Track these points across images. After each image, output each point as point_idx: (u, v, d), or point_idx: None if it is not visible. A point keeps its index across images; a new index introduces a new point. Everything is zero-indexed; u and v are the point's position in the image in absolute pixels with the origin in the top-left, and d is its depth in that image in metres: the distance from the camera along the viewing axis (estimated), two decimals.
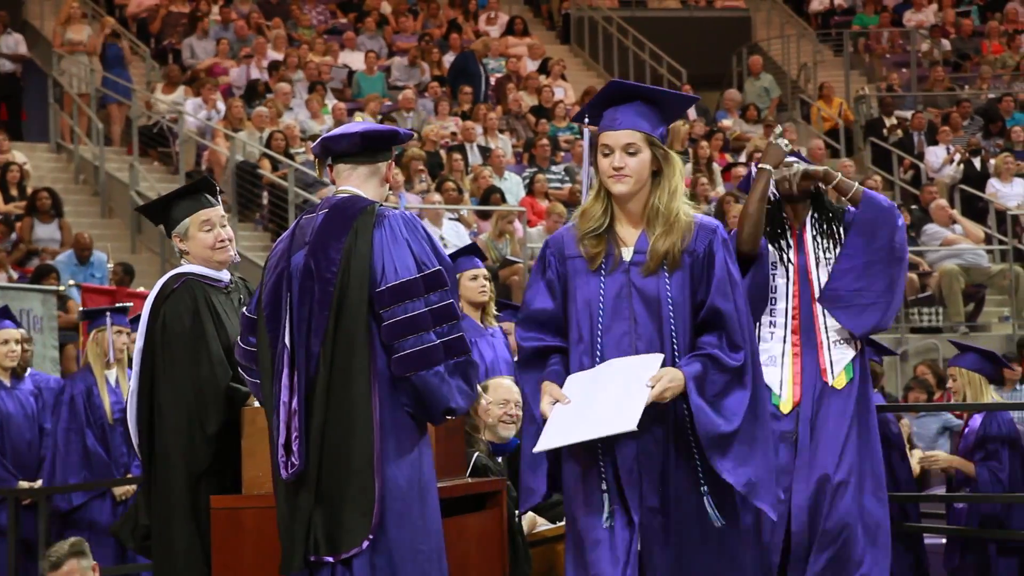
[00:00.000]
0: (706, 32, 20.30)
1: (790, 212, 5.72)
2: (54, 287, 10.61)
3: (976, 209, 15.41)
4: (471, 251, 6.95)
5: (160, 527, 4.91)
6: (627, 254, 4.07)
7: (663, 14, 20.78)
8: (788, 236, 5.68)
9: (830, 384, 5.55)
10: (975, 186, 15.70)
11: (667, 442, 4.05)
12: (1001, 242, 14.47)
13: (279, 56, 16.94)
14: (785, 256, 5.66)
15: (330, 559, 4.18)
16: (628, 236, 4.10)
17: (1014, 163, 15.87)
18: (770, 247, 5.67)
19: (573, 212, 13.73)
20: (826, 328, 5.60)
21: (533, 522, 5.77)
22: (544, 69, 18.06)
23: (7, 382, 7.64)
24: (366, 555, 4.16)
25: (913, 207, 14.98)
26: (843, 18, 21.09)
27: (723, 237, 4.04)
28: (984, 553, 6.91)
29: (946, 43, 19.99)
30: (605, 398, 3.95)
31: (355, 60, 17.52)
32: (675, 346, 4.05)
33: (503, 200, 13.75)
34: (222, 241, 5.05)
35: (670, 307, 4.02)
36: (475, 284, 6.62)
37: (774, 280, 5.66)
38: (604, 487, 4.04)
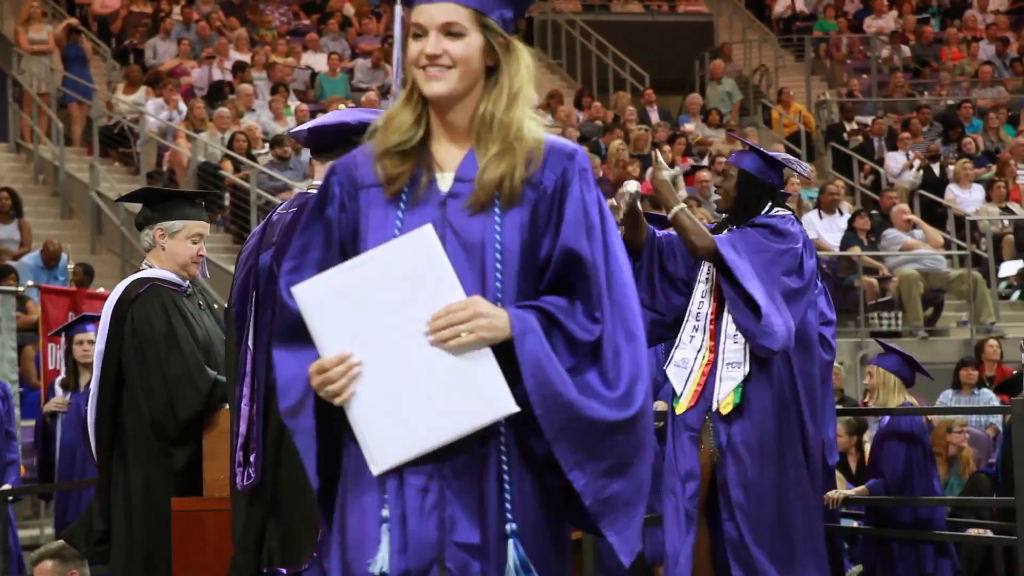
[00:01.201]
0: (669, 36, 20.37)
1: (727, 221, 5.71)
2: (13, 288, 10.53)
3: (935, 215, 15.53)
4: None
5: (122, 530, 4.89)
6: (444, 182, 2.74)
7: (626, 18, 20.84)
8: None
9: (715, 408, 5.42)
10: (934, 192, 15.83)
11: (493, 439, 2.66)
12: (960, 247, 14.58)
13: (241, 57, 16.88)
14: (708, 266, 5.57)
15: (283, 571, 4.17)
16: (448, 158, 2.77)
17: (972, 169, 16.01)
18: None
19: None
20: (723, 348, 5.49)
21: None
22: None
23: None
24: (316, 566, 4.15)
25: (873, 212, 15.09)
26: (804, 24, 21.21)
27: (583, 167, 2.77)
28: (887, 547, 7.06)
29: (906, 49, 20.14)
30: (418, 353, 2.61)
31: (318, 62, 17.47)
32: None
33: None
34: (200, 256, 5.07)
35: (497, 256, 2.68)
36: None
37: (704, 285, 5.57)
38: (385, 513, 2.66)
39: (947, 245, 14.71)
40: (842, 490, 7.14)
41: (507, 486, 2.64)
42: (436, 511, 2.63)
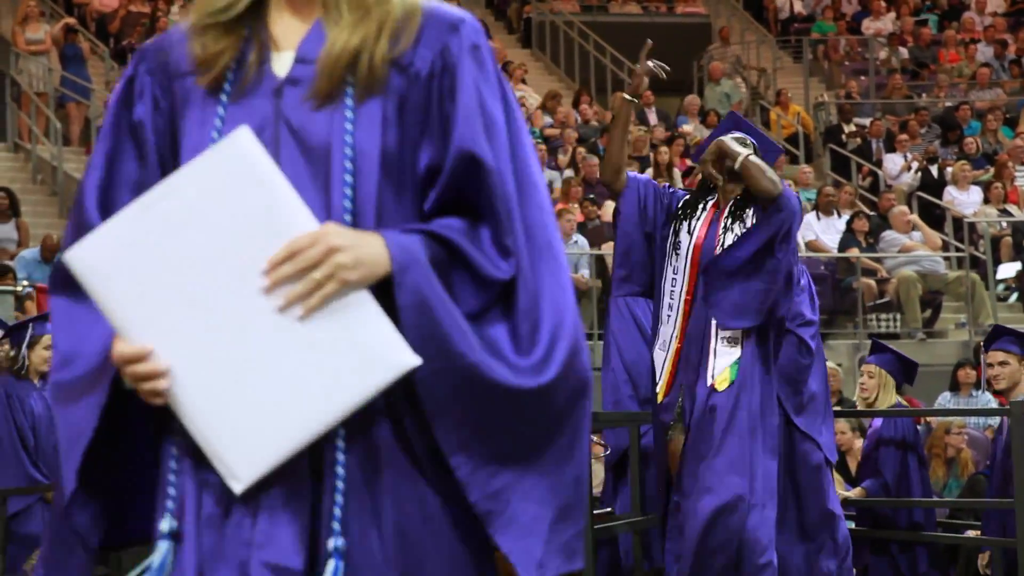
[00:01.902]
0: (667, 38, 20.37)
1: (721, 195, 5.50)
2: (11, 288, 10.53)
3: (933, 216, 15.54)
4: None
5: None
6: (280, 64, 1.99)
7: (624, 19, 20.84)
8: (699, 219, 5.46)
9: (708, 384, 5.26)
10: (932, 193, 15.84)
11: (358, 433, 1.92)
12: (958, 249, 14.59)
13: None
14: (684, 238, 5.42)
15: None
16: (288, 33, 2.01)
17: (971, 171, 16.03)
18: (673, 226, 5.46)
19: None
20: (717, 323, 5.31)
21: None
22: (506, 73, 18.08)
23: (38, 384, 7.61)
24: None
25: (872, 214, 15.09)
26: (803, 25, 21.22)
27: (473, 43, 2.00)
28: (886, 550, 7.06)
29: (904, 51, 20.14)
30: (263, 314, 1.86)
31: None
32: None
33: None
34: None
35: (347, 164, 1.92)
36: None
37: (676, 261, 5.42)
38: (163, 527, 1.95)
39: (945, 247, 14.72)
40: (840, 491, 7.13)
41: (339, 486, 1.88)
42: (245, 522, 1.90)
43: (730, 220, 5.40)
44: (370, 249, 1.87)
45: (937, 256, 14.38)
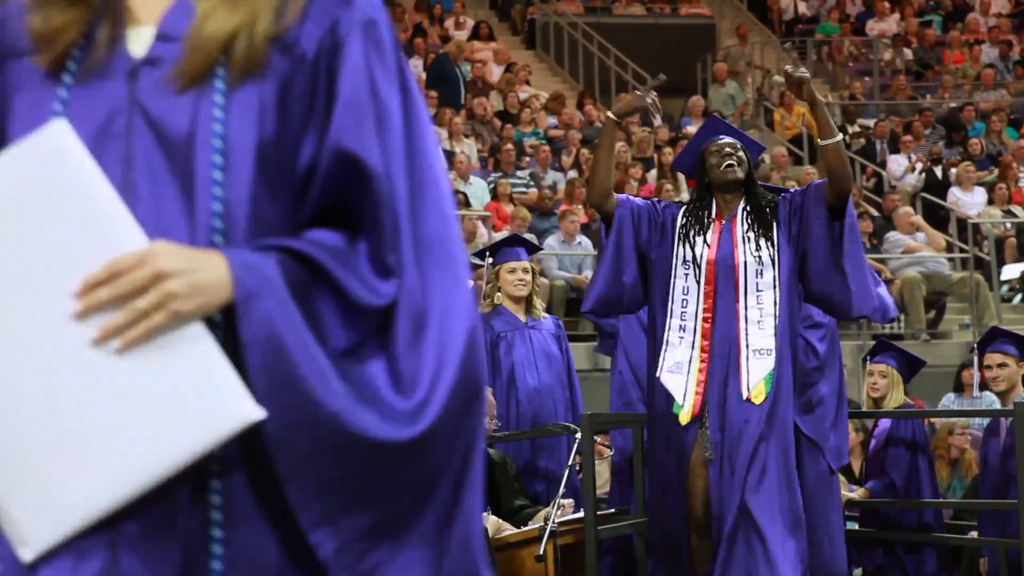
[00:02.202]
0: (671, 39, 20.38)
1: (720, 202, 5.48)
2: None
3: (937, 217, 15.54)
4: (512, 242, 6.79)
5: None
6: (138, 41, 1.67)
7: (628, 20, 20.85)
8: (708, 233, 5.41)
9: (745, 397, 5.20)
10: (936, 195, 15.84)
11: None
12: (962, 250, 14.59)
13: None
14: (699, 255, 5.35)
15: None
16: (146, 5, 1.68)
17: (975, 172, 16.03)
18: (683, 245, 5.39)
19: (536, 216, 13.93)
20: (747, 335, 5.26)
21: (498, 527, 5.77)
22: (510, 74, 18.10)
23: None
24: None
25: (876, 215, 15.09)
26: (807, 26, 21.22)
27: (368, 18, 1.68)
28: (891, 551, 7.06)
29: (908, 52, 20.14)
30: (73, 349, 1.54)
31: None
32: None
33: (467, 205, 13.78)
34: None
35: (216, 159, 1.60)
36: (512, 277, 6.48)
37: (686, 280, 5.33)
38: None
39: (949, 248, 14.71)
40: (844, 492, 7.12)
41: (216, 553, 1.57)
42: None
43: (751, 233, 5.36)
44: (209, 273, 1.53)
45: (941, 257, 14.38)
